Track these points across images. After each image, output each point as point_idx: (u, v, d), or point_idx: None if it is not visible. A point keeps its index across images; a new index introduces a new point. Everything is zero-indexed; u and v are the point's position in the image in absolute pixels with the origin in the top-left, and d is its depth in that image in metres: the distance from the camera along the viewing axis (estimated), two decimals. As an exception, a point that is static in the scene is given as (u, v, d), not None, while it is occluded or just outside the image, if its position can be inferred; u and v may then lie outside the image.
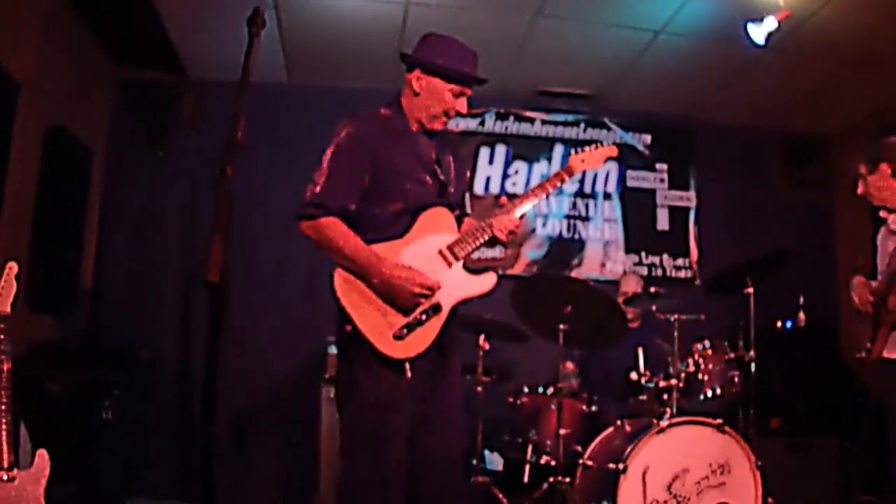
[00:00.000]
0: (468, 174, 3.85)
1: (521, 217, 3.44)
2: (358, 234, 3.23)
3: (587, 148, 3.74)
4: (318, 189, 3.23)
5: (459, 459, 3.44)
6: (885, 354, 4.25)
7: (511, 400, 5.55)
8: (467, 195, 3.81)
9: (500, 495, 5.27)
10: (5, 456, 3.20)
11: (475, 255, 3.42)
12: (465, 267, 3.37)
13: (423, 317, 3.19)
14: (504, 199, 3.51)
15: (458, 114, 3.47)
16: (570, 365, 5.83)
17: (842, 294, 7.36)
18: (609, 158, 3.83)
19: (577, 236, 7.52)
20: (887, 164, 4.31)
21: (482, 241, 3.37)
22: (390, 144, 3.34)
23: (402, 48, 6.45)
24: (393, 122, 3.42)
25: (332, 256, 3.22)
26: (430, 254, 3.29)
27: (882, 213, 4.47)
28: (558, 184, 3.58)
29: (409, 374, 3.15)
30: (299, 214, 3.26)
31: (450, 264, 3.32)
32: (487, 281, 3.37)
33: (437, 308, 3.22)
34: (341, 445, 3.28)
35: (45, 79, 5.53)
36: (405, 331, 3.16)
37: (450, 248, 3.32)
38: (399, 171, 3.32)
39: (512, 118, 7.58)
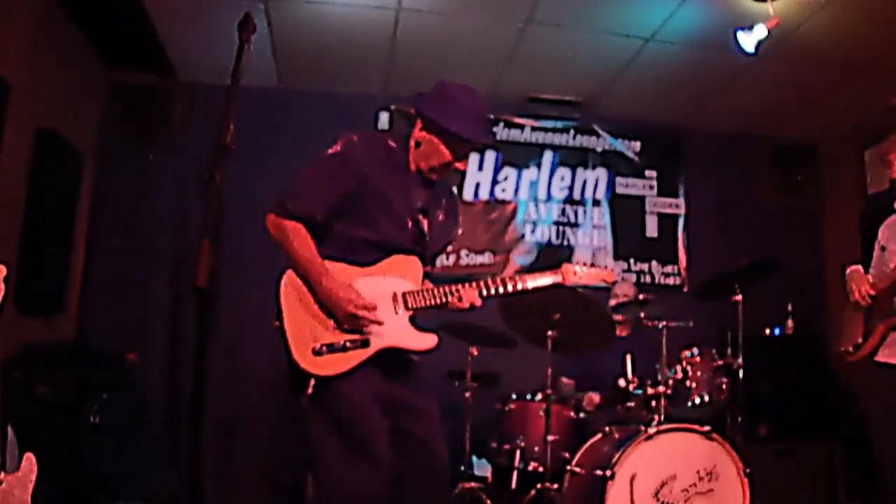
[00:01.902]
0: (456, 232, 3.83)
1: (483, 300, 3.44)
2: (320, 245, 3.28)
3: (587, 267, 3.71)
4: (292, 191, 3.30)
5: (447, 475, 3.42)
6: (879, 358, 4.25)
7: (499, 406, 5.54)
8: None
9: (488, 501, 5.27)
10: (-8, 459, 3.19)
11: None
12: (412, 320, 3.36)
13: (349, 345, 3.21)
14: (481, 283, 3.44)
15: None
16: (566, 380, 5.83)
17: (830, 301, 7.40)
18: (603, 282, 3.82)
19: (565, 243, 7.53)
20: None
21: (438, 302, 3.37)
22: (383, 175, 3.35)
23: (394, 55, 6.50)
24: (395, 156, 3.43)
25: (287, 258, 3.29)
26: (383, 293, 3.30)
27: None
28: (539, 284, 3.55)
29: (309, 390, 3.14)
30: (270, 210, 3.30)
31: (396, 311, 3.33)
32: (427, 341, 3.37)
33: (365, 343, 3.24)
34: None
35: (36, 81, 5.52)
36: (325, 349, 3.18)
37: (404, 295, 3.34)
38: (381, 203, 3.34)
39: (502, 124, 7.58)
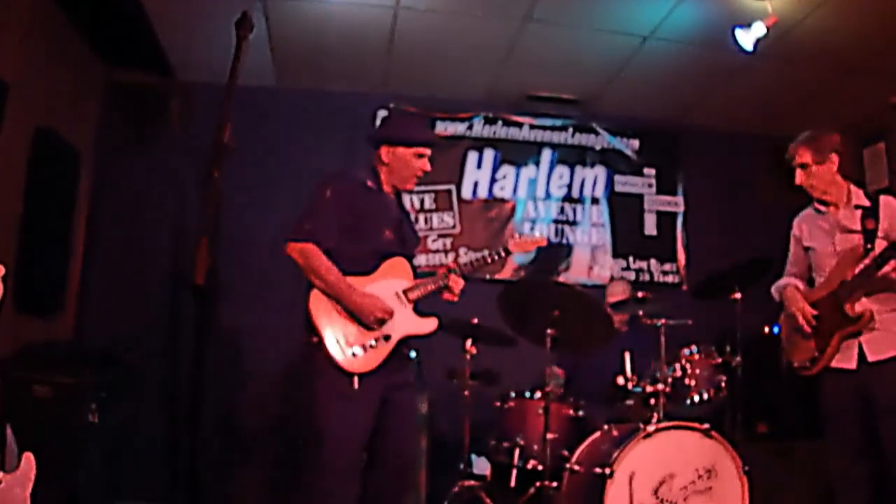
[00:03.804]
0: (415, 230, 4.52)
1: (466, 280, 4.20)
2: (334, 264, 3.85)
3: (525, 235, 4.88)
4: (305, 225, 3.87)
5: (411, 459, 4.39)
6: (832, 364, 4.29)
7: (498, 404, 5.53)
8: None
9: (487, 499, 5.27)
10: (-9, 459, 3.19)
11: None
12: (415, 309, 4.03)
13: (375, 342, 3.83)
14: (453, 264, 4.25)
15: (432, 157, 4.16)
16: (557, 369, 5.83)
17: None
18: (539, 247, 4.63)
19: (564, 241, 7.53)
20: (837, 155, 4.35)
21: (432, 290, 4.09)
22: (363, 200, 4.01)
23: (392, 53, 6.51)
24: (369, 183, 4.08)
25: (311, 277, 3.82)
26: (388, 293, 3.95)
27: (816, 205, 4.54)
28: (496, 259, 4.38)
29: (356, 384, 3.73)
30: (288, 238, 3.86)
31: (403, 305, 3.98)
32: (430, 324, 4.05)
33: (387, 337, 3.89)
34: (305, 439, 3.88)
35: (34, 80, 5.52)
36: (360, 350, 3.80)
37: (405, 291, 4.00)
38: (368, 220, 3.99)
39: (500, 122, 7.59)
